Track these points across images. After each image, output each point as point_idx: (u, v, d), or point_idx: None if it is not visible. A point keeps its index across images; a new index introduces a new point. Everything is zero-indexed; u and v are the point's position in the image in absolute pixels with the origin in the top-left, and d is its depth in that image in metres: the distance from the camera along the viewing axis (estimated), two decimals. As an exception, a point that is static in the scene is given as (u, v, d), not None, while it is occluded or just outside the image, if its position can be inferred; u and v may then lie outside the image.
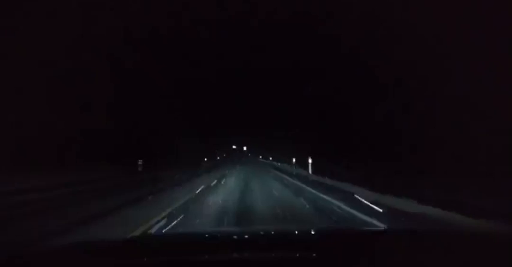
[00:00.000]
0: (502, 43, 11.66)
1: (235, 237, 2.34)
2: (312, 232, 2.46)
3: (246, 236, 2.34)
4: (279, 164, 43.09)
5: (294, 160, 29.66)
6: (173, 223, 6.71)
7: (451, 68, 13.86)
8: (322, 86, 28.59)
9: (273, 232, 2.57)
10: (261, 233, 2.55)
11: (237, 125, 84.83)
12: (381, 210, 8.23)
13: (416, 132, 15.87)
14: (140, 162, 19.75)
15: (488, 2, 12.22)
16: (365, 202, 9.48)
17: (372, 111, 20.82)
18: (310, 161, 23.66)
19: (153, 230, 6.12)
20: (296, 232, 2.43)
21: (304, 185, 15.51)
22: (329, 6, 21.37)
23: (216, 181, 17.98)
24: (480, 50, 12.27)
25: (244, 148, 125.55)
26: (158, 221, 6.90)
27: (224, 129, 73.91)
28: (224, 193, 12.27)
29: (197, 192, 12.46)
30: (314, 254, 1.64)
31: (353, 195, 10.88)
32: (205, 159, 50.88)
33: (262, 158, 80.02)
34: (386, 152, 18.55)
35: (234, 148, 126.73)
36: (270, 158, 64.51)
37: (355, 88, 22.63)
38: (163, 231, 6.04)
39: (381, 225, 6.44)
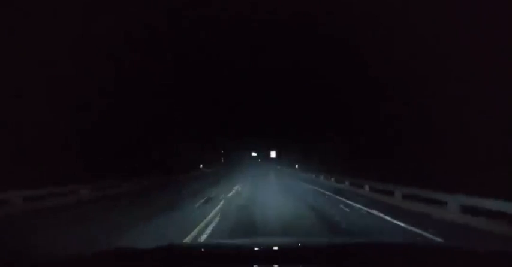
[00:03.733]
0: (502, 43, 11.65)
1: (258, 249, 2.19)
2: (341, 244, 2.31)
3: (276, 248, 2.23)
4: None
5: None
6: None
7: (451, 68, 13.85)
8: (322, 86, 28.59)
9: (285, 244, 2.37)
10: (284, 246, 2.32)
11: (247, 126, 75.54)
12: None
13: (416, 131, 15.87)
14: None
15: (488, 2, 12.21)
16: None
17: (372, 110, 20.81)
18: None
19: None
20: (333, 245, 2.28)
21: None
22: (329, 6, 21.36)
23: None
24: (480, 50, 12.26)
25: (272, 155, 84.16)
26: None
27: (228, 129, 70.36)
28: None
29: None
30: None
31: None
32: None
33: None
34: (386, 152, 18.53)
35: (253, 156, 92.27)
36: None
37: (355, 88, 22.63)
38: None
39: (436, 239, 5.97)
